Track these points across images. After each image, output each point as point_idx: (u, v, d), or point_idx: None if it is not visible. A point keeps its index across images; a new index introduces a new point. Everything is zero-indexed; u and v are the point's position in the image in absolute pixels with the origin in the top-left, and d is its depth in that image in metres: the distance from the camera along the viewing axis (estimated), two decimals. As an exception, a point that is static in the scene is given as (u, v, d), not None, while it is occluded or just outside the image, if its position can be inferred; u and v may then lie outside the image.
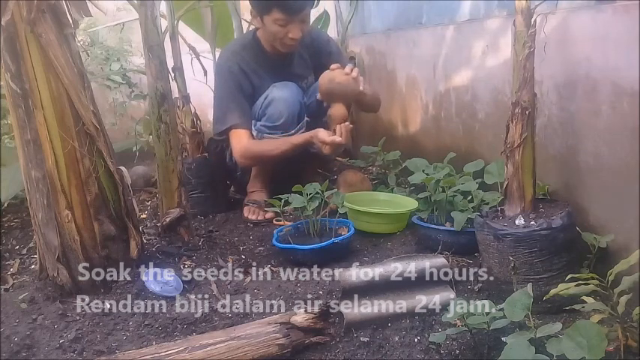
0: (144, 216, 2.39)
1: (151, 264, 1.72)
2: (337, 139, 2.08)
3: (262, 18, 2.20)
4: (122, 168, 1.68)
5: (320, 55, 2.42)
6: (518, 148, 1.51)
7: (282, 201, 1.96)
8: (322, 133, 2.12)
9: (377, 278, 1.58)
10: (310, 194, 1.90)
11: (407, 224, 2.05)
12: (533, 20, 1.48)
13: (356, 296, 1.54)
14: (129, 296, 1.59)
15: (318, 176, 2.57)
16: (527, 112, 1.50)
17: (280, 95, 2.21)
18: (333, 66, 2.15)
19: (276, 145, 2.23)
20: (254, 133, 2.28)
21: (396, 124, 2.83)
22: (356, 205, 2.03)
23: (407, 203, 2.08)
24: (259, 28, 2.29)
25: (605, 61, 1.51)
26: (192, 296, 1.63)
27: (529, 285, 1.34)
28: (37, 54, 1.51)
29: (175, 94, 2.28)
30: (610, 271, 1.22)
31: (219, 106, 2.35)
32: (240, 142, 2.27)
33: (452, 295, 1.57)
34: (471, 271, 1.70)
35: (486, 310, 1.35)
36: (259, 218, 2.27)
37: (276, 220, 2.21)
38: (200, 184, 2.39)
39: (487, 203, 1.76)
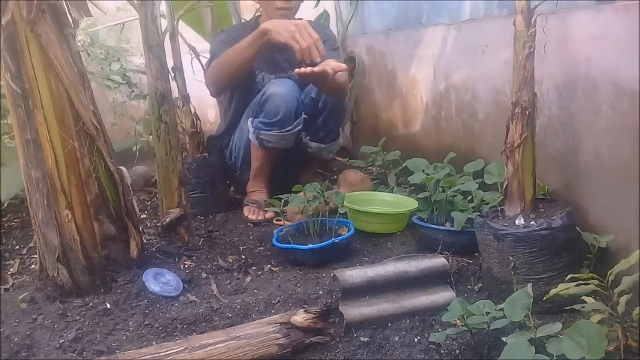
0: (144, 216, 2.39)
1: (150, 264, 1.73)
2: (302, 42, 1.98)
3: None
4: (122, 168, 1.68)
5: None
6: (518, 148, 1.52)
7: (282, 201, 1.96)
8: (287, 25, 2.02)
9: (377, 278, 1.58)
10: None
11: (407, 224, 2.05)
12: (533, 20, 1.48)
13: (356, 296, 1.55)
14: (129, 296, 1.59)
15: (318, 176, 2.58)
16: (527, 112, 1.50)
17: (277, 91, 2.21)
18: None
19: (236, 45, 2.21)
20: (251, 130, 2.28)
21: (396, 124, 2.83)
22: (356, 205, 2.03)
23: (407, 203, 2.08)
24: (260, 14, 2.38)
25: (605, 61, 1.51)
26: (192, 296, 1.63)
27: (529, 285, 1.35)
28: (37, 54, 1.51)
29: (175, 94, 2.28)
30: (610, 271, 1.22)
31: (207, 62, 2.39)
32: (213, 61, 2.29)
33: (452, 295, 1.57)
34: (471, 271, 1.70)
35: (486, 310, 1.35)
36: (259, 218, 2.27)
37: (276, 220, 2.21)
38: (200, 184, 2.38)
39: (487, 203, 1.76)
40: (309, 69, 1.98)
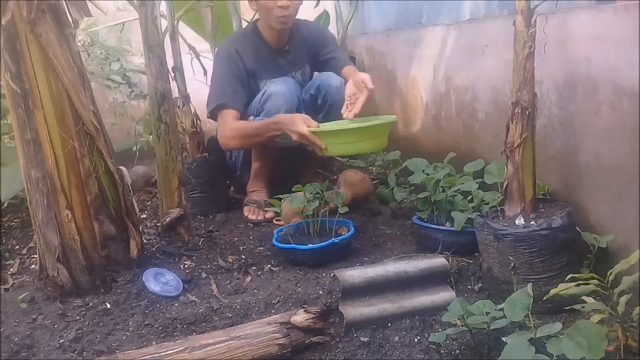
0: (144, 216, 2.39)
1: (150, 264, 1.73)
2: (305, 131, 1.96)
3: None
4: (122, 168, 1.68)
5: (317, 45, 2.46)
6: (518, 148, 1.51)
7: (282, 201, 1.96)
8: (298, 122, 2.01)
9: (377, 278, 1.58)
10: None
11: (387, 141, 1.95)
12: (533, 20, 1.48)
13: (356, 296, 1.55)
14: (129, 296, 1.59)
15: (318, 176, 2.58)
16: (527, 112, 1.50)
17: (278, 90, 2.22)
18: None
19: (255, 124, 2.23)
20: None
21: (396, 124, 2.83)
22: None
23: (384, 120, 2.00)
24: (259, 18, 2.37)
25: (605, 61, 1.51)
26: (192, 296, 1.63)
27: (529, 285, 1.34)
28: (37, 54, 1.51)
29: (175, 94, 2.28)
30: (610, 271, 1.22)
31: (212, 88, 2.37)
32: (224, 122, 2.28)
33: (452, 295, 1.57)
34: (471, 271, 1.70)
35: (486, 310, 1.35)
36: (259, 218, 2.27)
37: (276, 220, 2.21)
38: (200, 184, 2.39)
39: (487, 203, 1.76)
40: (356, 107, 2.05)
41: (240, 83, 2.32)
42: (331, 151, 1.94)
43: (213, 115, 2.33)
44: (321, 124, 2.05)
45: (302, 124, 1.99)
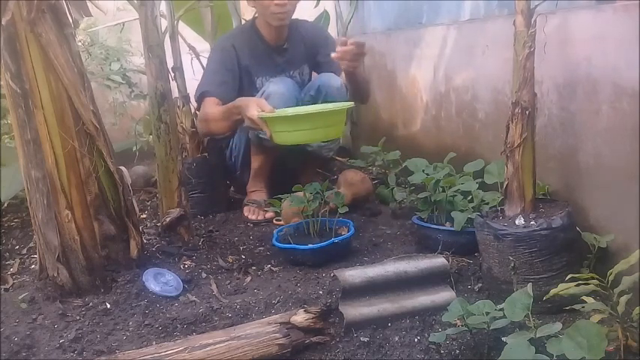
0: (144, 216, 2.39)
1: (150, 264, 1.73)
2: (256, 116, 1.89)
3: None
4: (122, 168, 1.68)
5: (316, 44, 2.46)
6: (518, 148, 1.51)
7: (282, 201, 1.96)
8: (252, 106, 1.95)
9: (377, 278, 1.58)
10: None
11: (343, 128, 1.87)
12: (533, 20, 1.48)
13: (356, 296, 1.55)
14: (129, 296, 1.59)
15: (318, 176, 2.58)
16: (527, 112, 1.50)
17: (276, 90, 2.21)
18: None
19: (221, 108, 2.21)
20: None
21: (396, 124, 2.83)
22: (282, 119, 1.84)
23: (338, 106, 1.93)
24: (258, 16, 2.38)
25: (605, 61, 1.51)
26: (192, 296, 1.63)
27: (529, 285, 1.34)
28: (37, 54, 1.51)
29: (175, 94, 2.28)
30: (610, 271, 1.22)
31: (201, 79, 2.39)
32: (204, 108, 2.29)
33: (452, 295, 1.57)
34: (471, 271, 1.70)
35: (486, 310, 1.35)
36: (259, 218, 2.27)
37: (276, 220, 2.21)
38: (200, 184, 2.39)
39: (487, 203, 1.76)
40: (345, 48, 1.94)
41: (230, 76, 2.32)
42: (280, 139, 1.86)
43: (199, 103, 2.33)
44: (278, 110, 1.96)
45: (253, 109, 1.93)
